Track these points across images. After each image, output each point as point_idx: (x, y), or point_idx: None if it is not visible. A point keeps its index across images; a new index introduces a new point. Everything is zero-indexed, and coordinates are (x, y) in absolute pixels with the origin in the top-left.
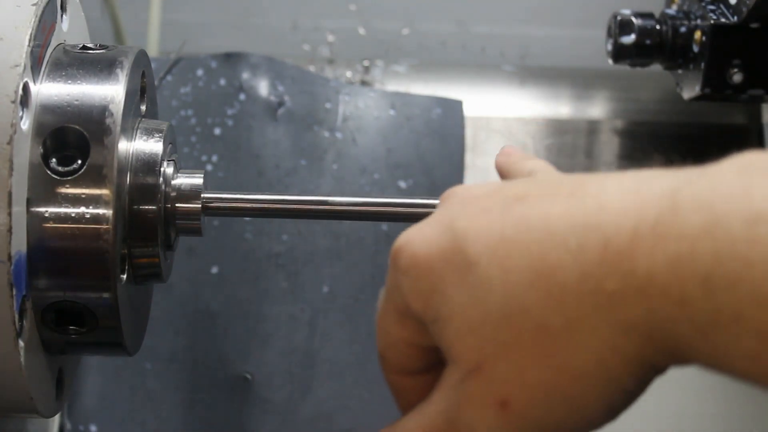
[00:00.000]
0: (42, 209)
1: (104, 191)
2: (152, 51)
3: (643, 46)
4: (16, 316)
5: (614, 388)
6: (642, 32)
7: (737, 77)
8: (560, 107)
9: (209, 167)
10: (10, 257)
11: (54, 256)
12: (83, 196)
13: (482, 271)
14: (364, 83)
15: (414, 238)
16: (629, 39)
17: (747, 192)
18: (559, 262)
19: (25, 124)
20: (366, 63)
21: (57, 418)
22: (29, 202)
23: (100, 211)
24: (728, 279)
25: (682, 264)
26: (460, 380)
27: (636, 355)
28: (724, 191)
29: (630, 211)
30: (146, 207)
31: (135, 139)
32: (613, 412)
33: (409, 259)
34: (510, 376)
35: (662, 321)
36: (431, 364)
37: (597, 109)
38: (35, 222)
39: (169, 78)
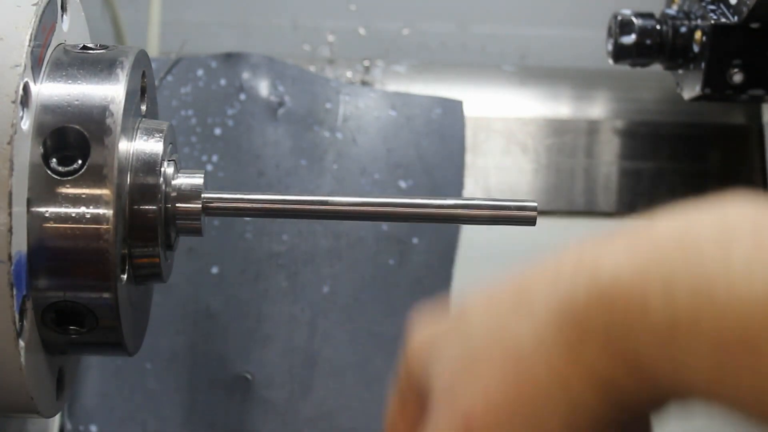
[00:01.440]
0: (42, 209)
1: (104, 191)
2: (152, 51)
3: (644, 46)
4: (17, 316)
5: (576, 406)
6: (642, 32)
7: (737, 77)
8: (560, 107)
9: (209, 167)
10: (10, 257)
11: (54, 256)
12: (83, 196)
13: (470, 316)
14: (364, 83)
15: (420, 330)
16: (629, 39)
17: (721, 215)
18: (536, 284)
19: (26, 124)
20: (366, 63)
21: (57, 418)
22: (29, 202)
23: (101, 211)
24: (690, 288)
25: (648, 270)
26: (431, 409)
27: (592, 366)
28: (696, 214)
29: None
30: (146, 207)
31: (135, 139)
32: None
33: (415, 343)
34: (475, 391)
35: (620, 327)
36: None
37: (597, 109)
38: (35, 222)
39: (169, 78)
